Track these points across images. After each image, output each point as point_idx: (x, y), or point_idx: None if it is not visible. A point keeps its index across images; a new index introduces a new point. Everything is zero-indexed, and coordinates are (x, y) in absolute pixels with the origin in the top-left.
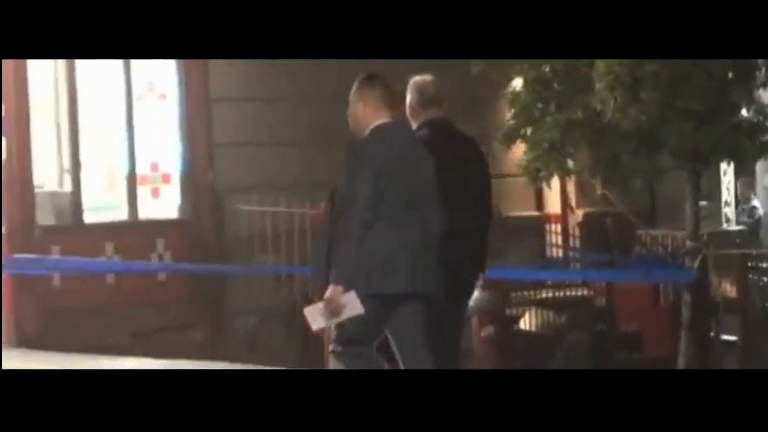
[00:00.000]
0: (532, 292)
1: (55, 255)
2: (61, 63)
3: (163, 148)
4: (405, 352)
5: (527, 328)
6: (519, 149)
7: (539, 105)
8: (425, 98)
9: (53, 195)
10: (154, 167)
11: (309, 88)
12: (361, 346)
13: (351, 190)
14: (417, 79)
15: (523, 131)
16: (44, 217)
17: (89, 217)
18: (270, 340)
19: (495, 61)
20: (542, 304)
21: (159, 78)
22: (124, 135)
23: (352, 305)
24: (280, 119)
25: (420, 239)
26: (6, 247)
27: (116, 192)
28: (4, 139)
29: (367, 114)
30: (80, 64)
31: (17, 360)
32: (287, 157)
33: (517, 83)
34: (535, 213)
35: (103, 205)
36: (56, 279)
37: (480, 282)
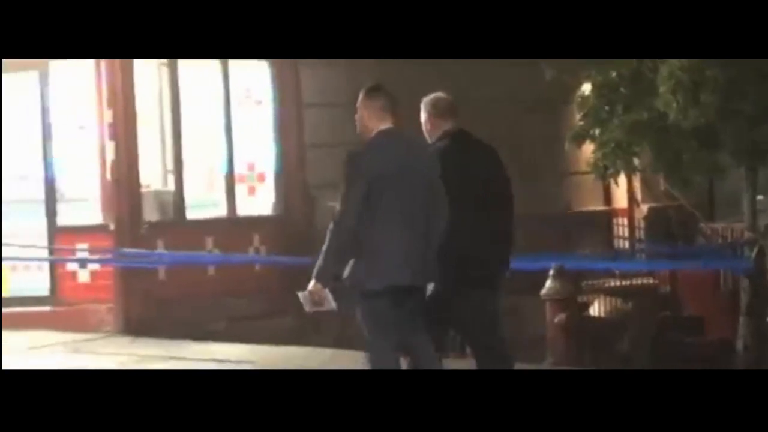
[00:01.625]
0: (601, 281)
1: (160, 249)
2: (164, 70)
3: (259, 149)
4: (409, 343)
5: (597, 314)
6: (588, 149)
7: (606, 107)
8: (440, 111)
9: (158, 193)
10: (251, 167)
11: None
12: (385, 340)
13: (343, 196)
14: (430, 96)
15: (591, 132)
16: (150, 214)
17: (191, 214)
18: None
19: (566, 67)
20: (611, 292)
21: (255, 85)
22: (223, 137)
23: (329, 300)
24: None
25: (425, 237)
26: (115, 241)
27: (216, 190)
28: (112, 143)
29: (371, 120)
30: (182, 71)
31: (125, 347)
32: None
33: (586, 88)
34: (604, 208)
35: (204, 202)
36: (161, 271)
37: (552, 271)
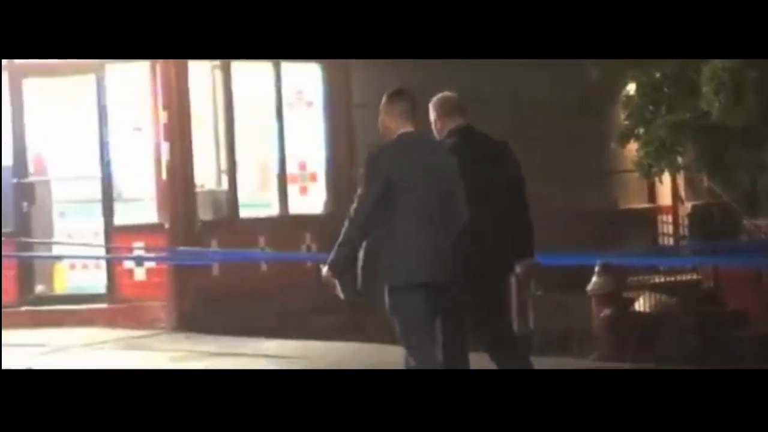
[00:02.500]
0: (646, 277)
1: (214, 247)
2: (218, 73)
3: (311, 149)
4: (445, 335)
5: (641, 310)
6: (633, 148)
7: (650, 107)
8: (447, 110)
9: (212, 193)
10: (302, 167)
11: (441, 91)
12: (418, 335)
13: (359, 195)
14: (439, 96)
15: (636, 131)
16: (204, 214)
17: (244, 213)
18: None
19: (611, 68)
20: (655, 288)
21: (307, 86)
22: (275, 138)
23: (337, 289)
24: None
25: (441, 235)
26: (170, 240)
27: (268, 190)
28: (167, 143)
29: (393, 123)
30: (236, 73)
31: (179, 343)
32: None
33: (631, 88)
34: (648, 205)
35: (257, 202)
36: (215, 268)
37: (598, 267)
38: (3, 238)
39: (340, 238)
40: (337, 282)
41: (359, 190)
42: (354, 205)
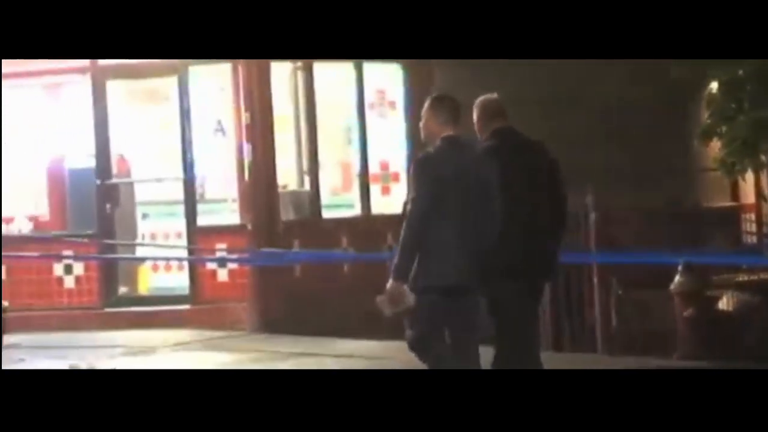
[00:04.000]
0: (729, 276)
1: (296, 248)
2: (300, 74)
3: (393, 149)
4: (461, 341)
5: (725, 309)
6: (716, 146)
7: (733, 105)
8: (489, 112)
9: (294, 194)
10: (384, 166)
11: (521, 91)
12: (430, 339)
13: (412, 198)
14: (481, 98)
15: (718, 129)
16: (286, 214)
17: (327, 214)
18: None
19: (693, 66)
20: (738, 286)
21: (389, 87)
22: (357, 138)
23: (408, 297)
24: None
25: (476, 238)
26: (252, 241)
27: (351, 190)
28: (249, 145)
29: (436, 127)
30: (318, 74)
31: (262, 344)
32: None
33: (713, 86)
34: (732, 204)
35: (339, 202)
36: (297, 269)
37: (681, 266)
38: (86, 240)
39: (401, 243)
40: (406, 290)
41: (412, 193)
42: (410, 208)
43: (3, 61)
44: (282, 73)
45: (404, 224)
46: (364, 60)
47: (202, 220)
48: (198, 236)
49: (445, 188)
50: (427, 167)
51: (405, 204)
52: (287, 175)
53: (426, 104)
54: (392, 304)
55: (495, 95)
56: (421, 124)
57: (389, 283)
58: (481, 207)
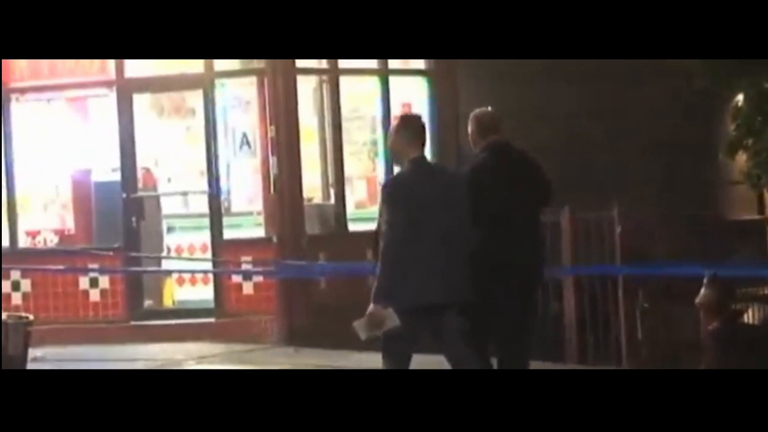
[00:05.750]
0: (755, 289)
1: (322, 261)
2: (326, 87)
3: None
4: (451, 354)
5: (750, 322)
6: (742, 159)
7: (759, 118)
8: (483, 126)
9: (320, 207)
10: None
11: (546, 103)
12: (403, 353)
13: (388, 222)
14: (476, 111)
15: (744, 142)
16: (312, 227)
17: (352, 227)
18: None
19: (718, 78)
20: (764, 299)
21: (414, 99)
22: (382, 151)
23: (391, 318)
24: (520, 132)
25: (448, 256)
26: (278, 254)
27: (376, 203)
28: (275, 158)
29: (403, 148)
30: (343, 87)
31: (289, 357)
32: None
33: (739, 99)
34: (758, 216)
35: (365, 215)
36: (323, 282)
37: (706, 279)
38: (112, 253)
39: (381, 266)
40: (390, 311)
41: (385, 215)
42: (385, 229)
43: (30, 74)
44: (308, 86)
45: (383, 248)
46: (382, 66)
47: (227, 233)
48: (223, 249)
49: (416, 209)
50: (398, 191)
51: (379, 225)
52: (313, 189)
53: (393, 124)
54: (372, 327)
55: (489, 108)
56: (389, 144)
57: (370, 307)
58: (454, 227)
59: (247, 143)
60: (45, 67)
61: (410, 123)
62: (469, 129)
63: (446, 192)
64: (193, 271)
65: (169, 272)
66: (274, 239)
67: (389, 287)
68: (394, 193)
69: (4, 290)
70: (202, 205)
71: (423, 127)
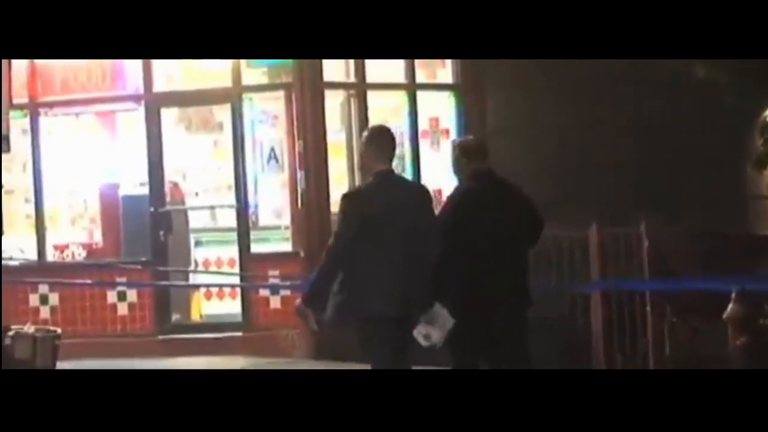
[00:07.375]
0: None
1: None
2: (353, 101)
3: (447, 176)
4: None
5: None
6: None
7: None
8: (468, 154)
9: None
10: (438, 193)
11: (573, 117)
12: (380, 363)
13: (335, 233)
14: (461, 139)
15: None
16: None
17: None
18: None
19: (746, 91)
20: None
21: (443, 114)
22: (410, 165)
23: (311, 321)
24: (551, 146)
25: (411, 269)
26: (306, 268)
27: None
28: (303, 172)
29: (370, 161)
30: (371, 101)
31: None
32: (557, 180)
33: (767, 113)
34: None
35: None
36: None
37: (734, 294)
38: (140, 267)
39: (315, 272)
40: (309, 314)
41: (336, 227)
42: (332, 240)
43: (59, 89)
44: (335, 100)
45: (323, 255)
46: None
47: (255, 248)
48: (251, 263)
49: (375, 223)
50: (353, 203)
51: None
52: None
53: (363, 136)
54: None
55: (472, 137)
56: (358, 155)
57: (297, 301)
58: (415, 241)
59: (275, 157)
60: (74, 81)
61: (378, 135)
62: (454, 156)
63: (408, 207)
64: (220, 285)
65: (196, 286)
66: (302, 253)
67: (319, 293)
68: (347, 205)
69: (32, 304)
70: (229, 219)
71: (392, 139)
